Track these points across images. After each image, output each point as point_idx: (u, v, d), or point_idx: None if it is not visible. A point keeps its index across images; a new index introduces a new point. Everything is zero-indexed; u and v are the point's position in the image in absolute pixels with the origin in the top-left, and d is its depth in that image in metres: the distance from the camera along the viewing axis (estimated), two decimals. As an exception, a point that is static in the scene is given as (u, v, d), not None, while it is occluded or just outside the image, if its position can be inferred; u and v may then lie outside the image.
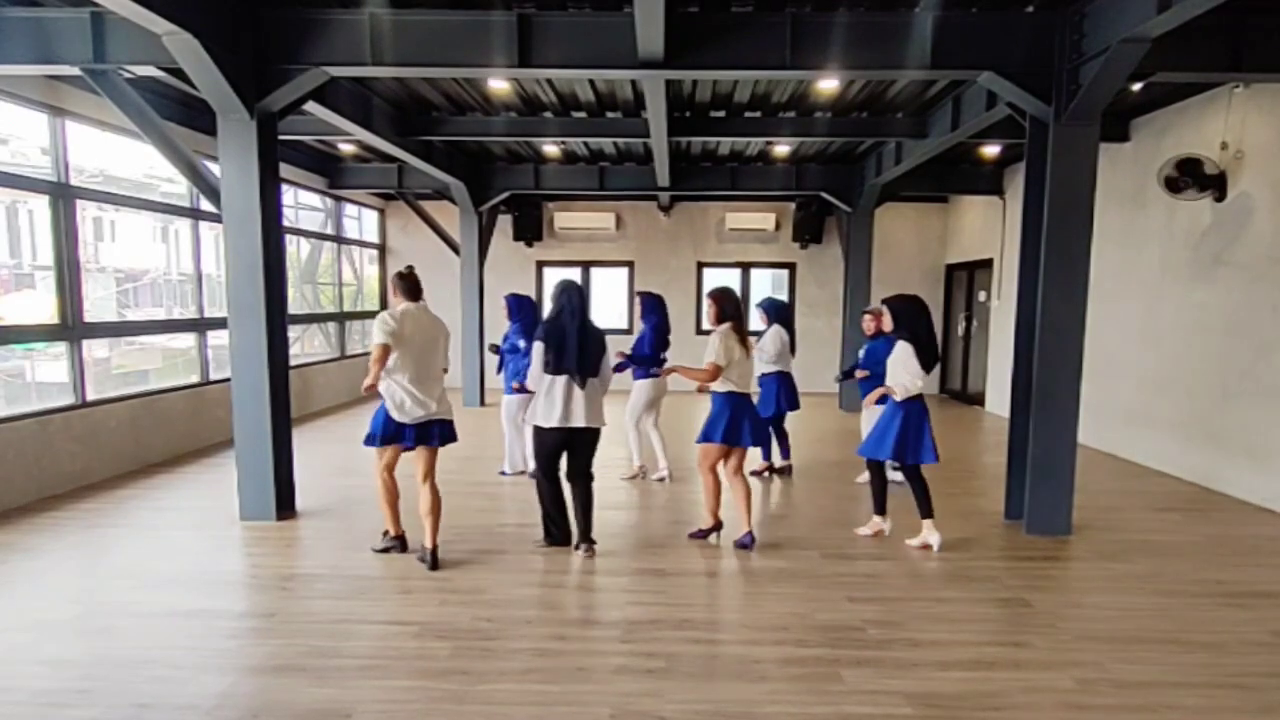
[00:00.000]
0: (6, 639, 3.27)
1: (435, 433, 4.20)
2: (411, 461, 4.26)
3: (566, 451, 4.33)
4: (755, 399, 5.02)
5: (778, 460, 6.47)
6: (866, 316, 5.93)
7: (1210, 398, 6.10)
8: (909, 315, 4.53)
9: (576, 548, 4.38)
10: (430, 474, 4.23)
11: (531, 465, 5.37)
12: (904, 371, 4.44)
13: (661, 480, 6.17)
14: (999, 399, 9.59)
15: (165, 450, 6.78)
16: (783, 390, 6.16)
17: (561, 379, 4.17)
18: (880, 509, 4.79)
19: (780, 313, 6.24)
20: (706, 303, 4.65)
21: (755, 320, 6.46)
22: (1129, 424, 7.18)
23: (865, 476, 5.37)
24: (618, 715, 2.72)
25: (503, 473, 6.28)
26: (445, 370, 4.34)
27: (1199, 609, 3.71)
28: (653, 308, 6.03)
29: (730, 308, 4.51)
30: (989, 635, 3.42)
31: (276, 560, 4.30)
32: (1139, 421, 7.03)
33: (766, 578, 4.09)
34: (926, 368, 4.46)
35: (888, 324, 4.67)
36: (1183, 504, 5.64)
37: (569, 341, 4.17)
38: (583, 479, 4.36)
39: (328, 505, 5.35)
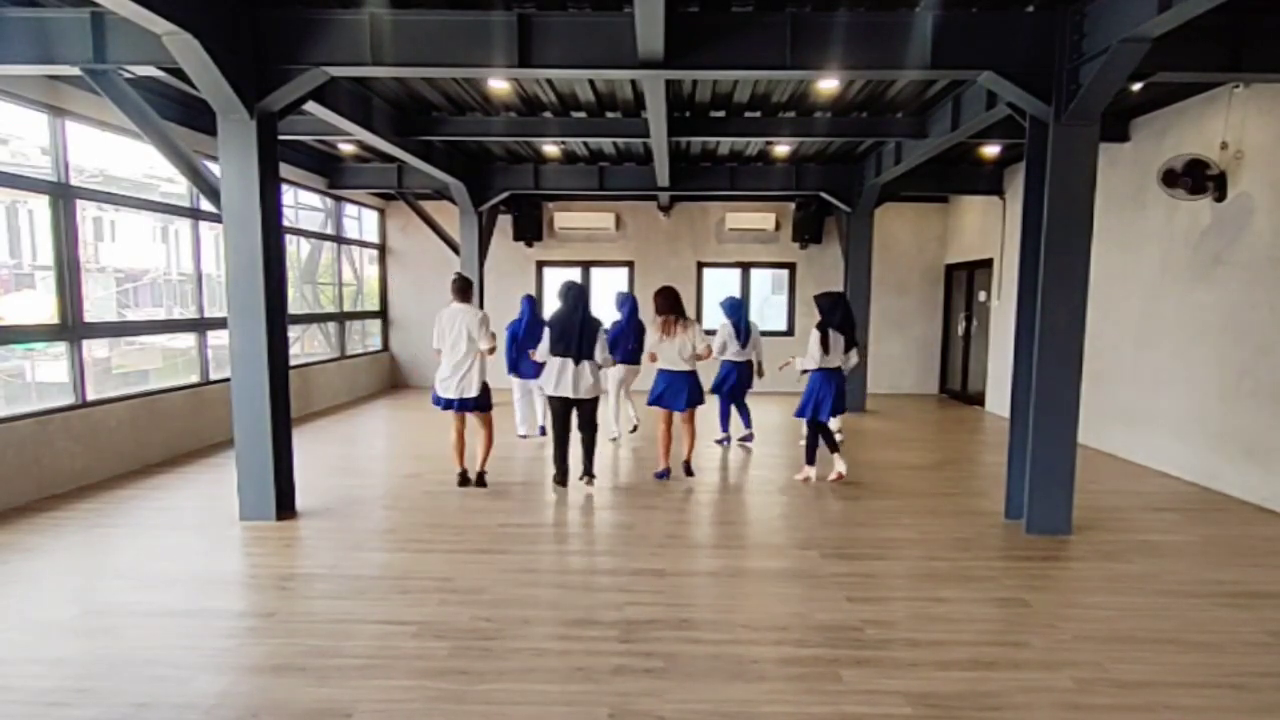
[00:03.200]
0: (6, 639, 3.28)
1: (456, 403, 5.66)
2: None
3: (573, 412, 5.65)
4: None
5: (741, 430, 7.60)
6: None
7: (1210, 398, 6.10)
8: (826, 308, 5.95)
9: (580, 479, 5.80)
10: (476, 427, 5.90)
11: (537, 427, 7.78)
12: (807, 350, 5.91)
13: (634, 429, 7.85)
14: (999, 399, 9.59)
15: (165, 450, 6.78)
16: (737, 374, 7.27)
17: (560, 359, 5.48)
18: (834, 449, 6.17)
19: (732, 311, 7.20)
20: (655, 300, 6.01)
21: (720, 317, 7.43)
22: (1129, 424, 7.18)
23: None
24: (617, 715, 2.72)
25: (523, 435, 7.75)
26: (489, 351, 5.58)
27: (1198, 609, 3.72)
28: (623, 303, 7.20)
29: (675, 303, 5.98)
30: (988, 635, 3.42)
31: (276, 560, 4.30)
32: (1139, 421, 7.03)
33: (766, 578, 4.09)
34: (827, 347, 5.85)
35: (816, 316, 5.98)
36: (1183, 504, 5.64)
37: (570, 331, 5.44)
38: (586, 430, 5.72)
39: (328, 505, 5.35)
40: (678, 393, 5.98)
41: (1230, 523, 5.18)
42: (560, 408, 5.59)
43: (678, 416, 6.10)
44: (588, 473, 5.78)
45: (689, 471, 6.22)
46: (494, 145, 8.81)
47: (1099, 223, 4.86)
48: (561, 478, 5.73)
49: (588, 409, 5.64)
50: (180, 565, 4.17)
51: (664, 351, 5.98)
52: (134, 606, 3.62)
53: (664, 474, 6.16)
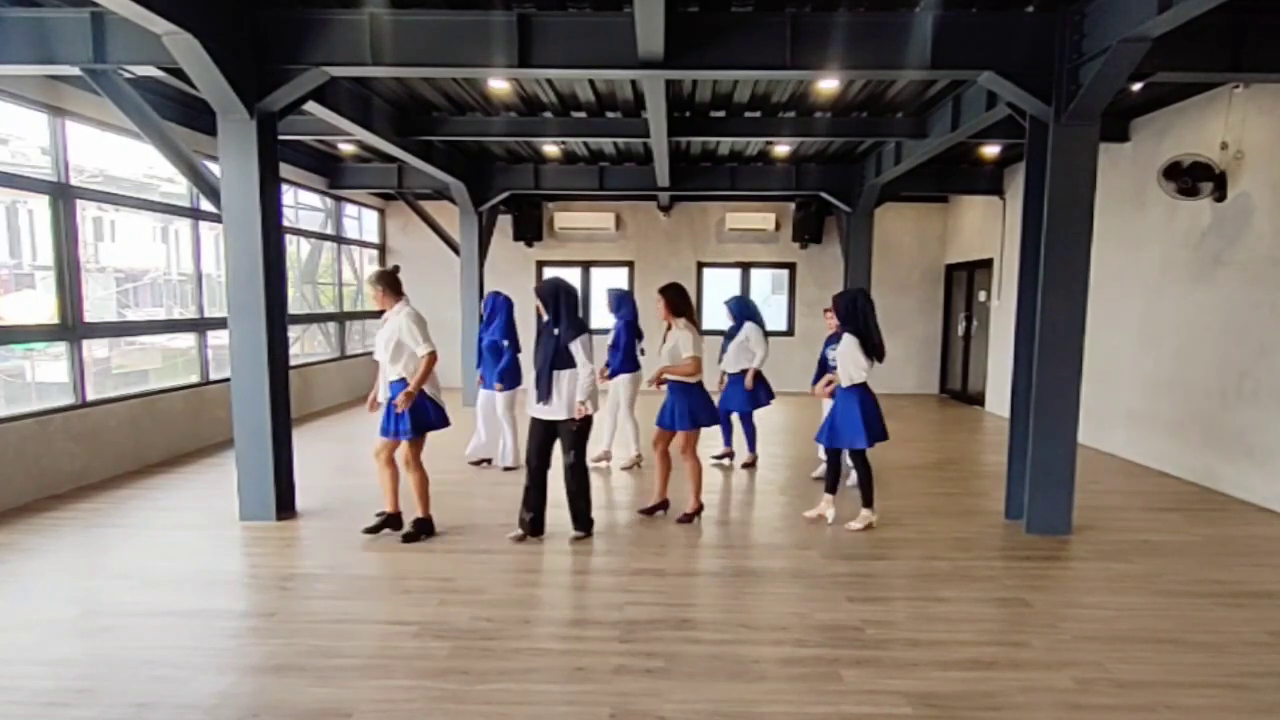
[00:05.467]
0: (6, 639, 3.27)
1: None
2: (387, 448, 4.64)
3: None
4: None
5: (746, 453, 6.73)
6: (827, 314, 5.65)
7: (1210, 398, 6.10)
8: (851, 311, 4.81)
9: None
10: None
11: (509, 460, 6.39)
12: (850, 363, 4.76)
13: (632, 467, 6.52)
14: (999, 399, 9.59)
15: (165, 450, 6.78)
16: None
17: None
18: (831, 489, 5.08)
19: (749, 311, 6.48)
20: (657, 299, 4.99)
21: (721, 319, 6.79)
22: (1129, 424, 7.18)
23: (822, 469, 5.69)
24: (618, 715, 2.72)
25: (507, 468, 6.42)
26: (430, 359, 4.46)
27: (1198, 609, 3.72)
28: (621, 303, 6.39)
29: (684, 304, 4.94)
30: (988, 635, 3.42)
31: (276, 560, 4.30)
32: (1139, 421, 7.03)
33: (766, 578, 4.09)
34: (869, 358, 4.77)
35: (834, 321, 4.91)
36: (1183, 504, 5.64)
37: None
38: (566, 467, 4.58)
39: (328, 505, 5.35)
40: (670, 408, 4.94)
41: (1230, 523, 5.18)
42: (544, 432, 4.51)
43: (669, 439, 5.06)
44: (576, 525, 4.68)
45: (687, 519, 5.03)
46: (494, 145, 8.81)
47: (1099, 223, 4.86)
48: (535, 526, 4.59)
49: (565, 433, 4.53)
50: (180, 565, 4.17)
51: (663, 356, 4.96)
52: (134, 607, 3.62)
53: (652, 510, 5.11)
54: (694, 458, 4.96)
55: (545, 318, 4.48)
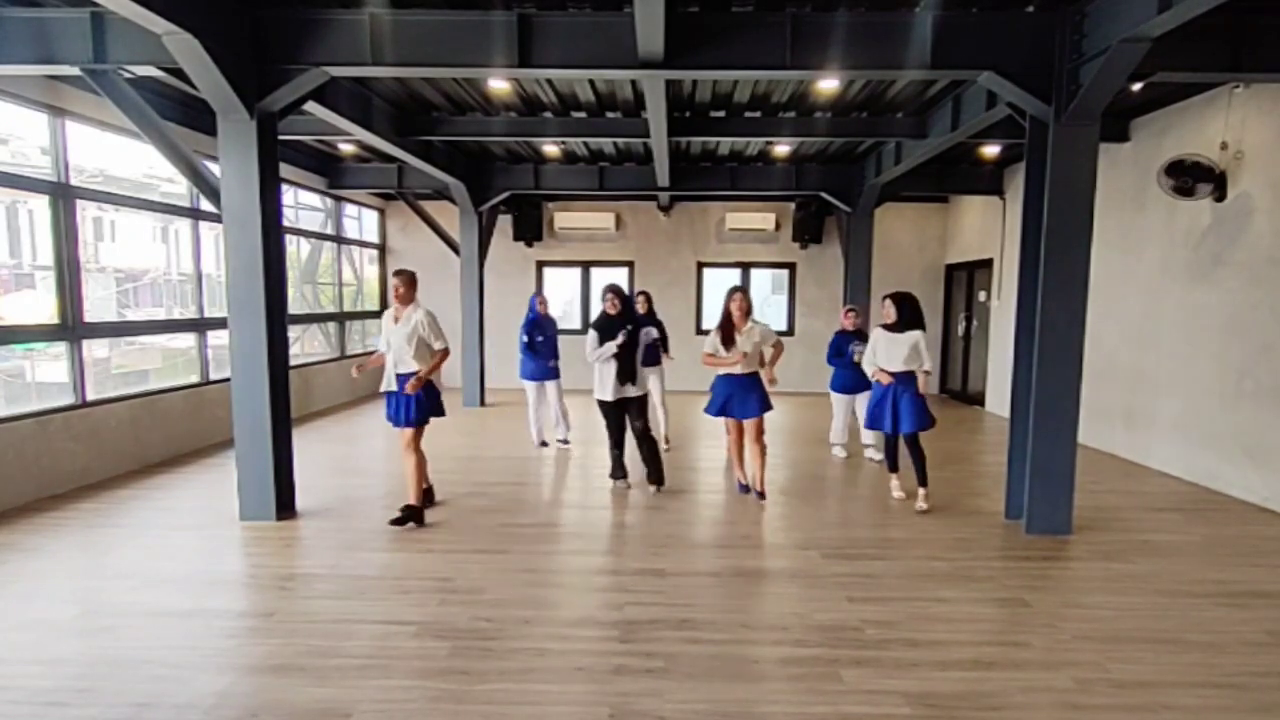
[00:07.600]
0: (6, 639, 3.28)
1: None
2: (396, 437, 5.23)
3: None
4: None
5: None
6: (853, 314, 6.88)
7: (1210, 398, 6.10)
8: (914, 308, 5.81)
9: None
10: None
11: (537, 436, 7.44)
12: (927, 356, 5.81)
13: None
14: (999, 399, 9.59)
15: (165, 450, 6.78)
16: None
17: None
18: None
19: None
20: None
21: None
22: (1129, 424, 7.18)
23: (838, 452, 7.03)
24: (617, 715, 2.72)
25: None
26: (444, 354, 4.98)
27: (1198, 609, 3.72)
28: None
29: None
30: (988, 635, 3.42)
31: (276, 560, 4.30)
32: (1139, 421, 7.03)
33: (766, 578, 4.09)
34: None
35: (892, 315, 5.78)
36: (1183, 504, 5.64)
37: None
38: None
39: (328, 505, 5.35)
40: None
41: (1230, 523, 5.18)
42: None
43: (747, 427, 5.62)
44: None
45: (754, 492, 5.64)
46: (494, 145, 8.81)
47: (1099, 223, 4.86)
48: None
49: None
50: (180, 565, 4.17)
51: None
52: (134, 606, 3.62)
53: (744, 488, 5.78)
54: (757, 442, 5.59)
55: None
